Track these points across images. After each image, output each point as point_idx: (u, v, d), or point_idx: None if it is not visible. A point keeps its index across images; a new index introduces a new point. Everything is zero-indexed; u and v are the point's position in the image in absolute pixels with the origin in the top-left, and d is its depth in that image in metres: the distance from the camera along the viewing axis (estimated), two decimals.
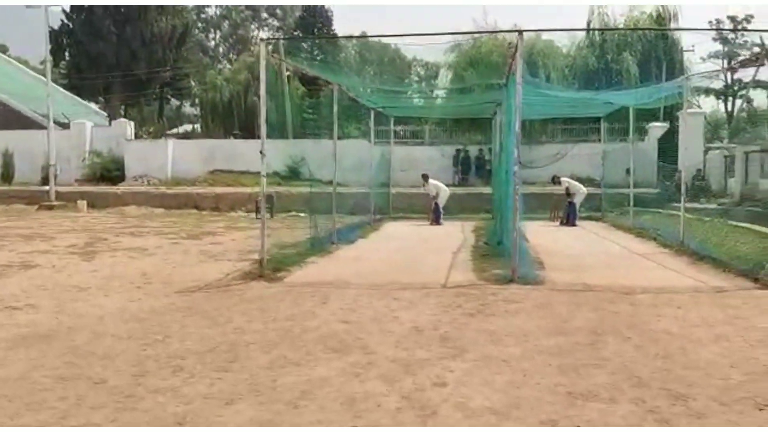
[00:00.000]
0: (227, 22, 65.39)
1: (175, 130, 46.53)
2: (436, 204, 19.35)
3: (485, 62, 27.72)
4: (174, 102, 57.52)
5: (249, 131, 36.51)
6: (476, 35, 30.19)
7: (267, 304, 7.76)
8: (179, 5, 49.88)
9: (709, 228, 14.53)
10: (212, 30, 65.90)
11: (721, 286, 8.90)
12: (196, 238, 15.19)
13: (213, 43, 66.46)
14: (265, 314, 7.23)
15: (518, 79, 9.40)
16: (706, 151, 25.74)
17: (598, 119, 21.99)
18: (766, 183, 19.34)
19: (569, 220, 18.51)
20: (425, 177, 19.89)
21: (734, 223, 14.80)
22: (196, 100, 49.96)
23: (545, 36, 31.86)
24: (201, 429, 3.90)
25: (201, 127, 43.84)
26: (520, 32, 9.64)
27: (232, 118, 38.48)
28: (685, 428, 3.98)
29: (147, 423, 4.14)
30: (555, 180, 19.26)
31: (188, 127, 49.22)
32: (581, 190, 19.00)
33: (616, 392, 4.68)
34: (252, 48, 47.69)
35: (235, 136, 35.54)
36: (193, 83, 51.58)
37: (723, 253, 10.99)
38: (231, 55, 63.49)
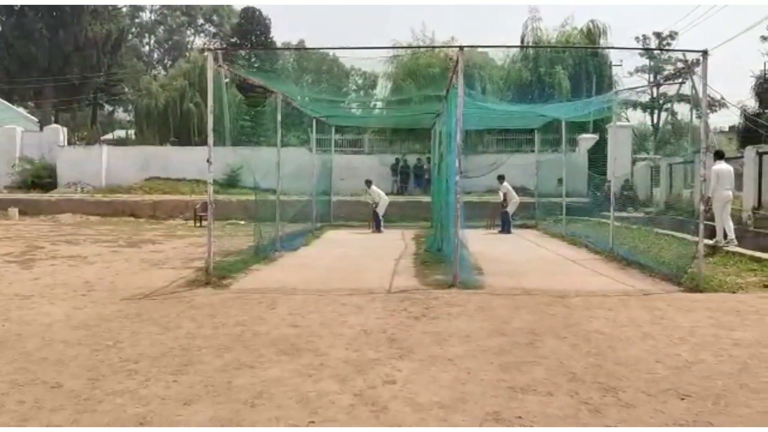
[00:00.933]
0: (162, 27, 64.39)
1: (108, 136, 45.50)
2: (376, 212, 19.66)
3: (423, 73, 28.28)
4: (107, 108, 56.23)
5: (185, 138, 36.10)
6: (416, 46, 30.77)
7: (216, 310, 7.87)
8: (114, 10, 48.89)
9: (637, 235, 15.34)
10: (147, 35, 64.77)
11: (647, 289, 9.48)
12: (135, 246, 15.04)
13: (148, 48, 65.30)
14: (214, 320, 7.35)
15: (459, 92, 9.79)
16: (633, 162, 26.89)
17: (532, 131, 22.74)
18: (688, 192, 20.37)
19: (504, 228, 19.11)
20: (368, 183, 20.19)
21: (659, 230, 15.62)
22: (130, 106, 49.04)
23: (481, 48, 32.72)
24: (202, 429, 3.99)
25: (135, 134, 42.96)
26: (461, 48, 10.05)
27: (167, 125, 37.89)
28: (698, 428, 4.29)
29: (108, 423, 4.26)
30: (500, 178, 19.78)
31: (121, 133, 48.19)
32: (515, 199, 19.65)
33: (552, 386, 5.05)
34: (188, 54, 47.07)
35: (172, 143, 35.04)
36: (127, 89, 50.58)
37: (649, 259, 11.66)
38: (166, 60, 62.55)
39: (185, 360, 5.73)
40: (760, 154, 15.77)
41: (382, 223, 19.58)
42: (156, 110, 38.13)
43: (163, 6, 62.34)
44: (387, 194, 21.80)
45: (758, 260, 11.48)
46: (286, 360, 5.76)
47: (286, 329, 6.91)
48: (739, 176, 16.79)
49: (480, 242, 15.33)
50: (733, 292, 9.18)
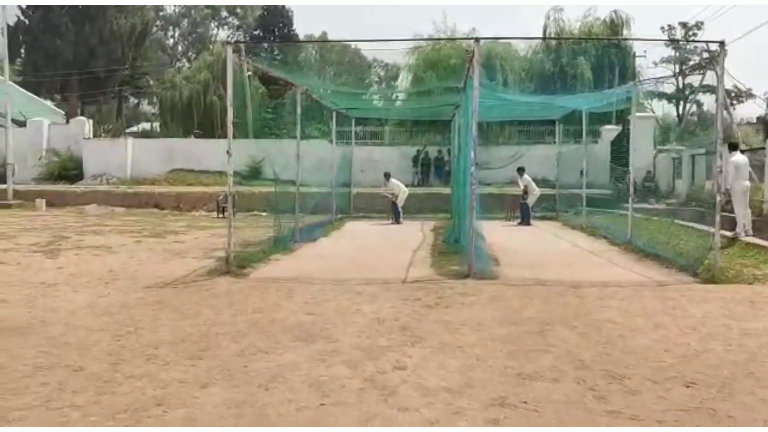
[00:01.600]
0: (186, 20, 64.93)
1: (133, 129, 46.12)
2: (396, 204, 19.79)
3: (444, 65, 28.32)
4: (132, 100, 56.93)
5: (208, 130, 36.46)
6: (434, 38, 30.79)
7: (234, 298, 8.06)
8: (139, 3, 49.47)
9: (656, 227, 15.30)
10: (171, 28, 65.39)
11: (663, 280, 9.50)
12: (159, 236, 15.33)
13: (172, 41, 65.94)
14: (233, 307, 7.54)
15: (475, 84, 9.86)
16: (656, 154, 26.68)
17: (553, 122, 22.68)
18: (710, 184, 20.20)
19: (524, 219, 19.13)
20: (387, 176, 20.33)
21: (680, 222, 15.56)
22: (155, 99, 49.55)
23: (500, 40, 32.63)
24: (205, 429, 4.16)
25: (160, 126, 43.55)
26: (477, 40, 10.13)
27: (191, 118, 38.33)
28: (704, 428, 4.31)
29: (127, 405, 4.43)
30: (520, 171, 19.81)
31: (146, 126, 48.84)
32: (535, 191, 19.64)
33: (559, 373, 5.15)
34: (212, 47, 47.42)
35: (195, 136, 35.45)
36: (151, 82, 51.16)
37: (667, 251, 11.65)
38: (190, 53, 63.08)
39: (203, 346, 5.92)
40: None
41: (401, 215, 19.70)
42: (180, 103, 38.57)
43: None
44: (407, 186, 21.92)
45: None
46: (301, 346, 5.92)
47: (302, 317, 7.08)
48: (761, 167, 16.69)
49: (498, 233, 15.43)
50: (749, 284, 9.17)
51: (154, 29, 58.66)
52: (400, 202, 19.86)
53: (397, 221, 19.51)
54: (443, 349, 5.82)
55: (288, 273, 10.05)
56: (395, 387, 4.83)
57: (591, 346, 5.98)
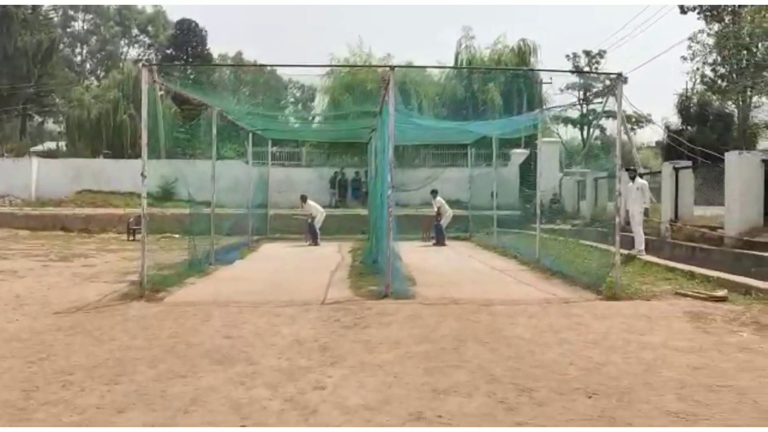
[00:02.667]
0: (95, 37, 63.00)
1: (38, 148, 44.26)
2: (313, 225, 19.87)
3: (361, 89, 28.75)
4: (36, 118, 54.64)
5: (118, 150, 35.52)
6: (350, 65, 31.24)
7: (149, 323, 7.95)
8: (45, 20, 47.71)
9: (563, 246, 16.03)
10: (79, 45, 63.26)
11: (568, 297, 10.01)
12: (67, 260, 14.82)
13: (80, 58, 63.77)
14: (148, 332, 7.44)
15: (390, 110, 10.16)
16: (562, 177, 27.91)
17: (466, 145, 23.39)
18: (612, 206, 21.32)
19: (438, 240, 19.59)
20: (303, 198, 20.40)
21: (584, 242, 16.35)
22: (61, 117, 47.79)
23: (417, 64, 33.44)
24: (206, 429, 4.10)
25: (66, 145, 42.04)
26: (392, 67, 10.44)
27: (100, 137, 37.27)
28: (702, 428, 4.60)
29: None
30: (433, 193, 20.28)
31: (52, 145, 46.97)
32: (448, 212, 20.17)
33: (472, 388, 5.40)
34: (122, 65, 46.26)
35: (105, 156, 34.43)
36: (58, 100, 49.31)
37: (572, 269, 12.26)
38: (99, 71, 61.18)
39: (119, 371, 5.84)
40: (676, 170, 16.70)
41: (319, 236, 19.78)
42: (88, 122, 37.45)
43: (95, 15, 61.01)
44: (325, 207, 22.05)
45: (672, 270, 12.23)
46: (220, 369, 5.94)
47: (220, 340, 7.07)
48: (659, 190, 17.78)
49: (414, 254, 15.75)
50: (647, 300, 9.76)
51: (61, 46, 56.66)
52: (317, 224, 19.95)
53: (314, 242, 19.57)
54: (362, 368, 5.97)
55: (204, 296, 9.97)
56: (315, 406, 4.94)
57: (501, 361, 6.27)
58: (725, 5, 36.37)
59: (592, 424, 4.67)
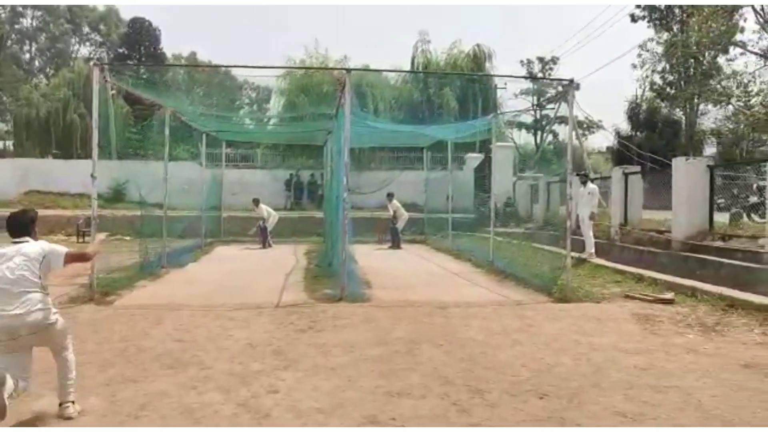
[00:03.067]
0: (45, 34, 61.37)
1: None
2: (265, 228, 19.72)
3: (317, 91, 28.63)
4: None
5: (68, 150, 34.67)
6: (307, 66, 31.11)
7: (99, 327, 7.78)
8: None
9: (516, 250, 16.23)
10: (28, 42, 61.50)
11: (520, 299, 10.14)
12: None
13: (29, 56, 61.99)
14: (98, 336, 7.29)
15: (347, 112, 10.15)
16: (516, 181, 28.25)
17: (422, 149, 23.52)
18: (563, 209, 21.70)
19: (394, 242, 19.65)
20: (256, 202, 20.22)
21: (537, 245, 16.59)
22: (8, 116, 46.40)
23: (374, 67, 33.49)
24: (205, 429, 4.00)
25: (13, 145, 40.85)
26: (348, 70, 10.46)
27: (49, 136, 36.29)
28: (696, 428, 4.66)
29: None
30: (389, 196, 20.29)
31: None
32: (404, 215, 20.24)
33: (426, 390, 5.44)
34: (73, 63, 45.15)
35: (54, 156, 33.56)
36: (5, 98, 47.88)
37: (525, 272, 12.43)
38: (48, 69, 59.59)
39: None
40: (626, 175, 17.07)
41: (269, 239, 19.62)
42: (37, 120, 36.42)
43: (45, 12, 59.43)
44: (280, 210, 21.89)
45: (622, 272, 12.49)
46: (171, 374, 5.85)
47: (172, 344, 6.97)
48: (609, 194, 18.14)
49: (370, 257, 15.77)
50: (597, 302, 9.96)
51: (9, 43, 55.02)
52: (270, 226, 19.80)
53: (267, 245, 19.43)
54: (316, 372, 5.95)
55: (156, 299, 9.80)
56: (268, 410, 4.90)
57: (455, 363, 6.32)
58: (674, 16, 37.50)
59: (542, 424, 4.75)
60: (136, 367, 6.01)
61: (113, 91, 11.09)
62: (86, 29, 62.49)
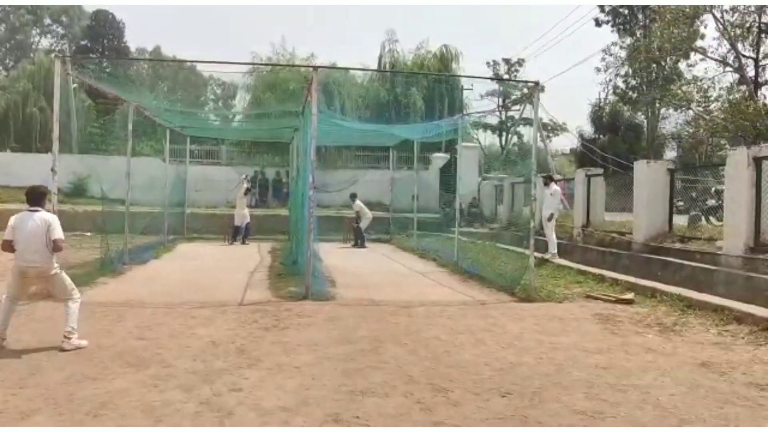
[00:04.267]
0: (4, 25, 59.87)
1: None
2: (238, 226, 19.64)
3: (283, 88, 28.46)
4: None
5: (27, 144, 33.94)
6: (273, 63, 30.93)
7: (57, 324, 7.56)
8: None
9: (481, 250, 16.35)
10: None
11: (484, 299, 10.23)
12: None
13: None
14: (56, 333, 7.11)
15: (314, 110, 10.12)
16: (481, 181, 28.47)
17: (388, 148, 23.55)
18: (527, 210, 21.95)
19: (357, 242, 19.63)
20: (248, 190, 20.28)
21: (501, 245, 16.74)
22: None
23: (341, 65, 33.40)
24: (206, 429, 3.91)
25: None
26: (315, 68, 10.41)
27: (7, 130, 35.51)
28: (691, 428, 4.68)
29: None
30: (352, 197, 20.26)
31: None
32: (367, 215, 20.20)
33: (390, 389, 5.45)
34: (33, 55, 44.18)
35: (12, 149, 32.79)
36: None
37: (489, 272, 12.54)
38: (8, 61, 58.19)
39: (25, 374, 5.59)
40: (588, 177, 17.34)
41: (240, 237, 19.54)
42: None
43: (5, 2, 57.98)
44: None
45: (584, 273, 12.67)
46: (132, 372, 5.77)
47: (133, 342, 6.87)
48: (572, 195, 18.41)
49: (335, 256, 15.74)
50: (560, 302, 10.09)
51: None
52: (237, 222, 19.70)
53: (232, 241, 19.33)
54: (280, 370, 5.92)
55: (116, 297, 9.65)
56: (231, 409, 4.87)
57: (419, 361, 6.35)
58: (637, 21, 38.19)
59: (505, 422, 4.79)
60: (96, 365, 5.91)
61: (75, 85, 10.90)
62: (48, 20, 61.20)
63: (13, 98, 35.87)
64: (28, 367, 5.81)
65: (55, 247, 6.62)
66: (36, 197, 6.81)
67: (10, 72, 46.35)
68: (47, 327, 7.42)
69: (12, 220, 6.69)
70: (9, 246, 6.59)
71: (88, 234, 18.18)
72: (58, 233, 6.64)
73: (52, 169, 9.68)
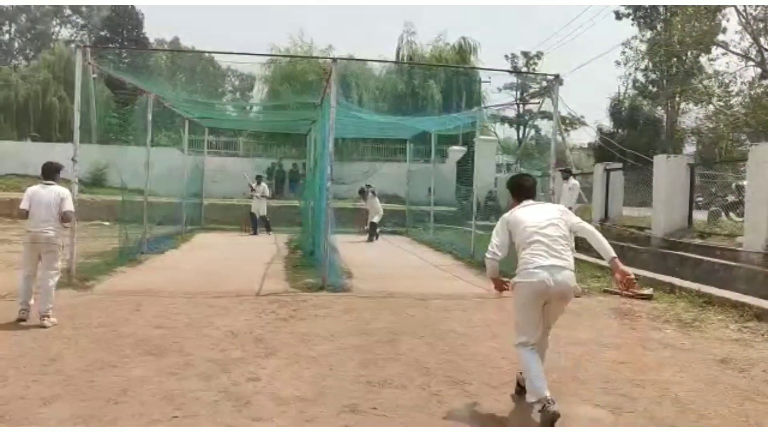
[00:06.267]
0: (25, 16, 60.35)
1: None
2: (253, 214, 19.71)
3: (301, 80, 28.49)
4: None
5: (46, 134, 34.21)
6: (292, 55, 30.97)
7: (77, 312, 7.72)
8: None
9: None
10: (7, 23, 60.47)
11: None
12: None
13: (8, 36, 60.98)
14: (76, 321, 7.22)
15: (332, 102, 10.12)
16: (497, 175, 28.38)
17: (404, 140, 23.51)
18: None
19: (370, 237, 19.50)
20: (258, 179, 20.37)
21: None
22: None
23: (359, 57, 33.39)
24: (207, 429, 3.98)
25: None
26: (334, 60, 10.40)
27: (27, 119, 35.85)
28: (687, 428, 4.66)
29: None
30: (366, 188, 20.14)
31: None
32: (380, 211, 19.96)
33: (406, 380, 5.46)
34: (53, 45, 44.50)
35: (32, 139, 33.10)
36: None
37: (506, 266, 12.44)
38: (28, 51, 58.66)
39: (45, 360, 5.66)
40: (607, 171, 17.21)
41: (258, 226, 19.66)
42: (15, 103, 35.94)
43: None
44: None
45: (602, 268, 12.55)
46: (151, 360, 5.82)
47: (151, 330, 6.92)
48: (590, 190, 18.28)
49: (351, 248, 15.74)
50: (577, 297, 10.00)
51: None
52: (257, 213, 19.79)
53: (255, 232, 19.47)
54: (297, 360, 5.95)
55: (135, 286, 9.72)
56: (249, 398, 4.89)
57: (435, 354, 6.35)
58: (658, 14, 37.77)
59: (523, 416, 4.77)
60: (115, 353, 5.97)
61: (95, 75, 10.95)
62: (68, 11, 61.59)
63: (33, 88, 36.17)
64: (48, 354, 5.87)
65: (65, 217, 7.26)
66: (51, 171, 7.51)
67: (30, 62, 46.68)
68: (66, 315, 7.49)
69: (28, 190, 7.43)
70: (24, 213, 7.27)
71: (107, 223, 18.35)
72: (69, 206, 7.30)
73: (73, 159, 9.76)
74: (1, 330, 6.66)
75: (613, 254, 4.91)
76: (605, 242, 4.96)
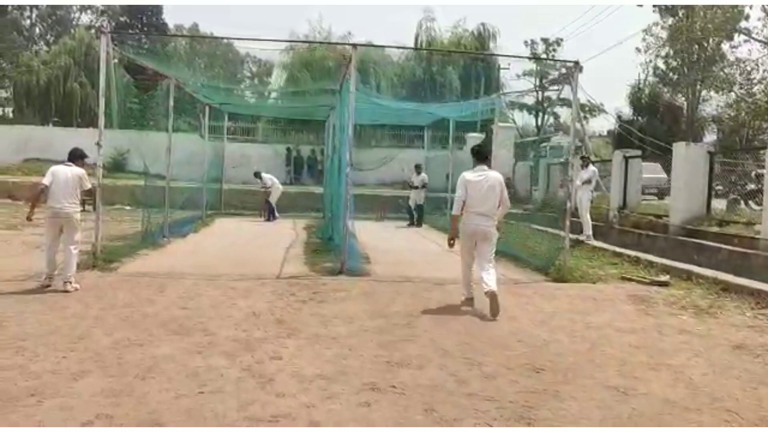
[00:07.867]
0: (46, 1, 60.70)
1: None
2: (269, 201, 19.83)
3: (319, 66, 28.57)
4: None
5: (67, 119, 34.58)
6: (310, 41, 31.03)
7: (103, 292, 7.92)
8: None
9: (514, 230, 16.30)
10: (29, 8, 60.87)
11: (518, 279, 10.28)
12: (14, 228, 14.51)
13: (29, 22, 61.42)
14: (102, 301, 7.42)
15: (352, 88, 10.22)
16: (515, 162, 28.30)
17: (422, 127, 23.54)
18: (563, 192, 21.76)
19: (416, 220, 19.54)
20: (257, 175, 20.32)
21: (536, 226, 16.69)
22: (8, 83, 46.07)
23: (377, 44, 33.35)
24: (206, 429, 4.11)
25: (13, 112, 40.72)
26: (354, 46, 10.49)
27: (49, 104, 36.26)
28: (684, 428, 4.66)
29: None
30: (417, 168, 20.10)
31: None
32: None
33: (425, 361, 5.58)
34: (74, 31, 44.81)
35: (54, 124, 33.52)
36: (5, 64, 47.57)
37: (523, 252, 12.55)
38: (49, 36, 59.08)
39: (74, 338, 5.85)
40: (626, 159, 17.16)
41: (276, 212, 19.75)
42: (37, 88, 36.30)
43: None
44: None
45: (619, 255, 12.64)
46: (176, 339, 5.99)
47: (176, 311, 7.10)
48: (609, 178, 18.24)
49: (369, 233, 15.85)
50: (594, 282, 10.11)
51: (9, 8, 54.47)
52: (273, 199, 19.89)
53: (270, 218, 19.55)
54: (318, 341, 6.10)
55: (158, 268, 9.93)
56: (272, 375, 5.04)
57: (453, 336, 6.47)
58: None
59: (538, 396, 4.88)
60: (141, 332, 6.15)
61: (115, 60, 11.12)
62: None
63: (54, 73, 36.50)
64: (76, 332, 6.06)
65: (88, 192, 8.76)
66: (75, 156, 8.48)
67: (51, 47, 47.03)
68: (93, 295, 7.71)
69: (51, 168, 8.35)
70: (41, 192, 8.22)
71: (128, 207, 18.62)
72: (88, 184, 8.44)
73: (98, 143, 9.96)
74: (28, 311, 6.85)
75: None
76: (502, 212, 8.07)
